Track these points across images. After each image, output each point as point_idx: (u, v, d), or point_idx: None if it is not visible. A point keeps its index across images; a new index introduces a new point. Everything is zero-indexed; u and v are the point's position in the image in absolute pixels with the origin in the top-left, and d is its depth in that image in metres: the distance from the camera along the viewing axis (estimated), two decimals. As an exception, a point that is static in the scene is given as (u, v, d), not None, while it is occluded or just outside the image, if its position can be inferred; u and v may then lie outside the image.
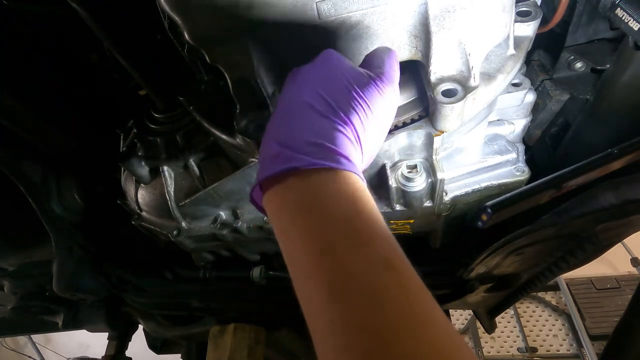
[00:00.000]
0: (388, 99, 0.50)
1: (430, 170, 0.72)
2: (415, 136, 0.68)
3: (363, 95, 0.47)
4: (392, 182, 0.73)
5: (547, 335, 3.22)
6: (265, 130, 0.49)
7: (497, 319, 1.37)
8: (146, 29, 0.79)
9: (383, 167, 0.73)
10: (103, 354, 1.58)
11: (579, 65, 0.76)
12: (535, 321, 3.32)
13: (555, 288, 3.34)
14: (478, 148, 0.77)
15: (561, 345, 3.14)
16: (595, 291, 3.18)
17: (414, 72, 0.65)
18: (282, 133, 0.45)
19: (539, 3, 0.69)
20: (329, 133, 0.44)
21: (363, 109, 0.46)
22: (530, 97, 0.75)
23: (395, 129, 0.67)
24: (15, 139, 1.02)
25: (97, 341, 1.98)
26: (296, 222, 0.41)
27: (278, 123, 0.47)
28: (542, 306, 3.38)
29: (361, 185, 0.44)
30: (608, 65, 0.72)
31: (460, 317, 3.44)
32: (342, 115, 0.45)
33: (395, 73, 0.52)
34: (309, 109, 0.45)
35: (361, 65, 0.53)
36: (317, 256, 0.39)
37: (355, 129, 0.46)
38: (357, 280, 0.36)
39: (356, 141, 0.46)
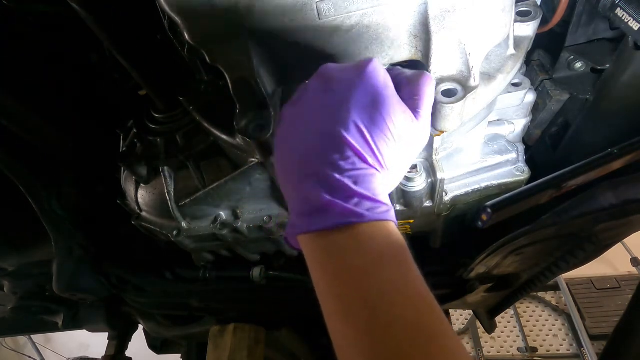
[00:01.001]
0: (423, 135, 0.51)
1: (430, 170, 0.72)
2: (415, 136, 0.68)
3: (404, 138, 0.47)
4: (392, 182, 0.73)
5: (547, 335, 3.22)
6: (279, 143, 0.49)
7: (497, 319, 1.37)
8: (146, 29, 0.79)
9: (383, 167, 0.73)
10: (103, 354, 1.58)
11: (579, 65, 0.76)
12: (535, 321, 3.32)
13: (555, 288, 3.35)
14: (478, 148, 0.77)
15: (561, 345, 3.14)
16: (595, 291, 3.18)
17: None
18: (323, 175, 0.44)
19: (539, 3, 0.69)
20: (373, 184, 0.45)
21: (402, 153, 0.47)
22: (530, 97, 0.75)
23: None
24: (15, 139, 1.02)
25: (97, 341, 1.98)
26: (339, 266, 0.43)
27: (313, 154, 0.46)
28: (542, 306, 3.39)
29: (397, 232, 0.45)
30: (608, 65, 0.72)
31: (460, 317, 3.44)
32: (384, 162, 0.46)
33: (431, 106, 0.52)
34: (350, 148, 0.44)
35: (399, 86, 0.51)
36: (364, 299, 0.41)
37: (392, 175, 0.47)
38: (403, 322, 0.39)
39: (391, 184, 0.48)
